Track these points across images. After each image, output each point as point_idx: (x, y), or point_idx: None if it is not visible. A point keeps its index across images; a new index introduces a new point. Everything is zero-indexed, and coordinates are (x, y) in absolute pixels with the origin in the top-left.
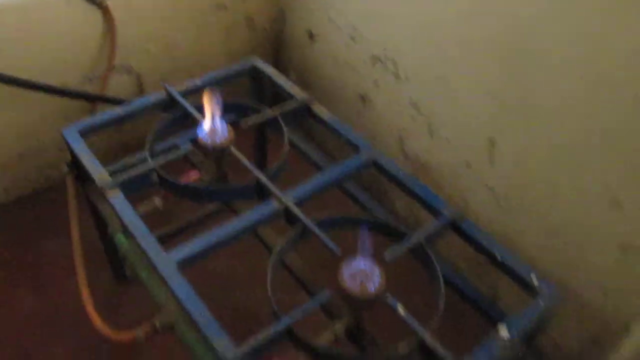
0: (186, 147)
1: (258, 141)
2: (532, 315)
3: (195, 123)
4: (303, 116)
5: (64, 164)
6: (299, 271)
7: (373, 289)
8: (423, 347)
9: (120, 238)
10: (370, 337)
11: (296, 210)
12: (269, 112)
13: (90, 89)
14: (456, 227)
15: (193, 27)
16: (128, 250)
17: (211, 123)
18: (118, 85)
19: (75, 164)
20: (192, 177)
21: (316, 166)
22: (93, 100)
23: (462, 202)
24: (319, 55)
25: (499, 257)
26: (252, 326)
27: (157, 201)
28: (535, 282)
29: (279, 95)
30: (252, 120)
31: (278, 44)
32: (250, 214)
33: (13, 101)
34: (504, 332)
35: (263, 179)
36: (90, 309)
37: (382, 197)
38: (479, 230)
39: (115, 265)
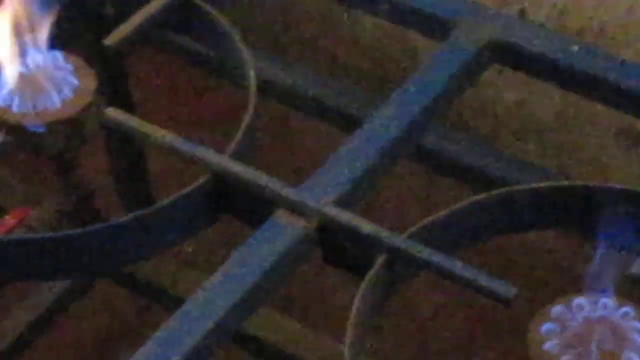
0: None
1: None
2: None
3: None
4: None
5: None
6: None
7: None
8: None
9: None
10: None
11: (368, 228)
12: (155, 4)
13: None
14: None
15: None
16: None
17: (22, 59)
18: None
19: None
20: (9, 224)
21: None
22: None
23: None
24: None
25: None
26: None
27: None
28: None
29: None
30: (129, 27)
31: None
32: (236, 266)
33: None
34: None
35: (234, 167)
36: None
37: None
38: None
39: None
